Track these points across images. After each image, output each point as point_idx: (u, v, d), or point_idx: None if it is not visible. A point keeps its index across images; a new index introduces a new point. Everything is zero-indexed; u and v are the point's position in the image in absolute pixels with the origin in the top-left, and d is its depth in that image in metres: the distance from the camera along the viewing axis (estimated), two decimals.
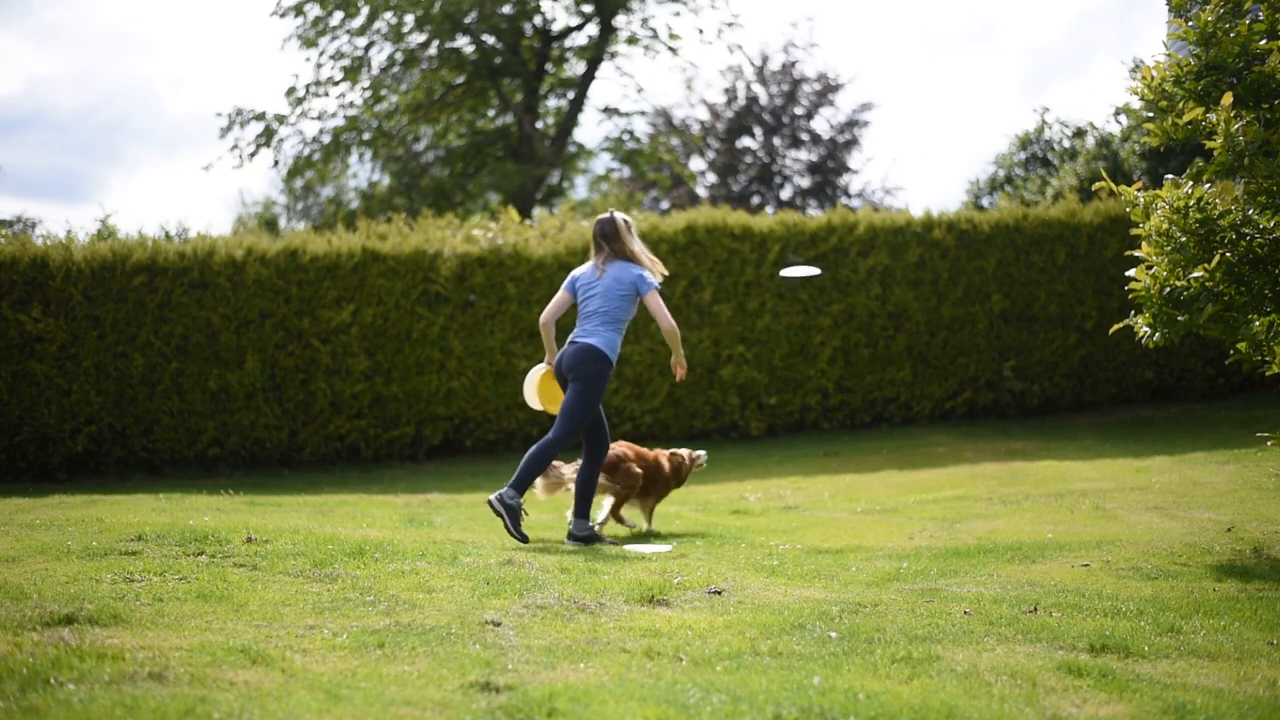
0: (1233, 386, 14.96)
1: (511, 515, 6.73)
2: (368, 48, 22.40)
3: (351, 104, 22.83)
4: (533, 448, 6.91)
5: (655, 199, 25.80)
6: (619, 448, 7.65)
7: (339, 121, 22.85)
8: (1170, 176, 6.50)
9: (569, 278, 7.26)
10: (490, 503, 6.77)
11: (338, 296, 13.33)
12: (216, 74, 48.61)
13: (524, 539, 6.71)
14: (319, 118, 22.84)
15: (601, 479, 7.51)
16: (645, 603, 4.96)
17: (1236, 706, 3.82)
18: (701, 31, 23.39)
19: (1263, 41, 6.30)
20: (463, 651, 4.06)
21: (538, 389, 7.43)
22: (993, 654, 4.33)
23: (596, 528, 7.30)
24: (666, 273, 7.37)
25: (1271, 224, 6.25)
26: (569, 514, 7.18)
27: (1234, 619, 4.96)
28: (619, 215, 7.18)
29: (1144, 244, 6.60)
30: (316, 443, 13.30)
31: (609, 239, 7.13)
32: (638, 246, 7.15)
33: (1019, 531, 7.52)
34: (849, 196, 27.10)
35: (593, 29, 22.95)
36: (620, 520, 7.83)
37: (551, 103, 24.17)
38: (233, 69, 48.49)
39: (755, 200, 27.02)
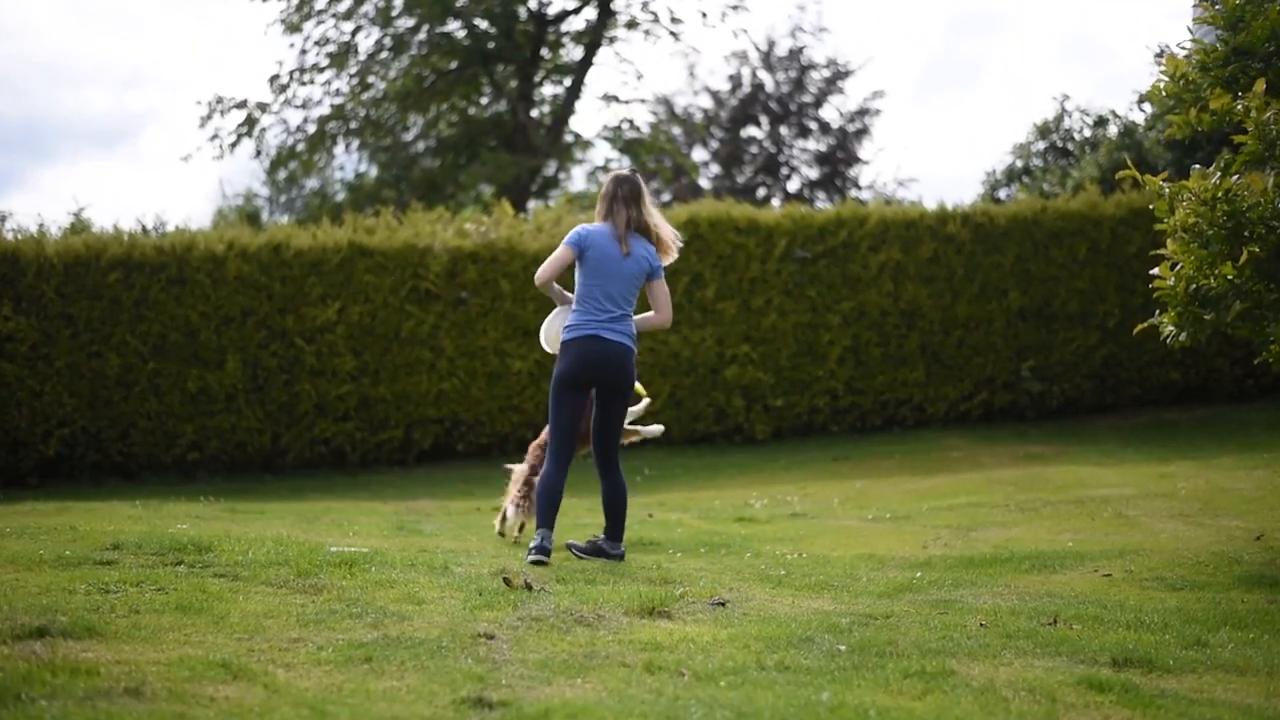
0: (1262, 388, 14.94)
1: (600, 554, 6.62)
2: (354, 32, 22.39)
3: (338, 92, 22.82)
4: (611, 505, 6.56)
5: (656, 191, 25.79)
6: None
7: (325, 110, 22.84)
8: (1197, 167, 6.49)
9: (577, 233, 6.41)
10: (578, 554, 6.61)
11: (323, 293, 13.33)
12: (196, 60, 48.63)
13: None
14: (304, 106, 22.84)
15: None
16: (645, 614, 4.96)
17: None
18: (705, 15, 23.28)
19: None
20: (454, 666, 4.06)
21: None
22: (1010, 668, 4.33)
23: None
24: (677, 251, 6.59)
25: None
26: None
27: (1263, 631, 4.96)
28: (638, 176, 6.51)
29: (1169, 241, 6.59)
30: (300, 447, 13.30)
31: (635, 202, 6.40)
32: (659, 218, 6.47)
33: (1037, 540, 7.52)
34: (859, 188, 27.10)
35: (590, 13, 22.92)
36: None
37: (547, 90, 24.14)
38: (213, 55, 48.52)
39: (761, 192, 27.02)
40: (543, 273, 6.49)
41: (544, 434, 7.18)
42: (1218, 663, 4.50)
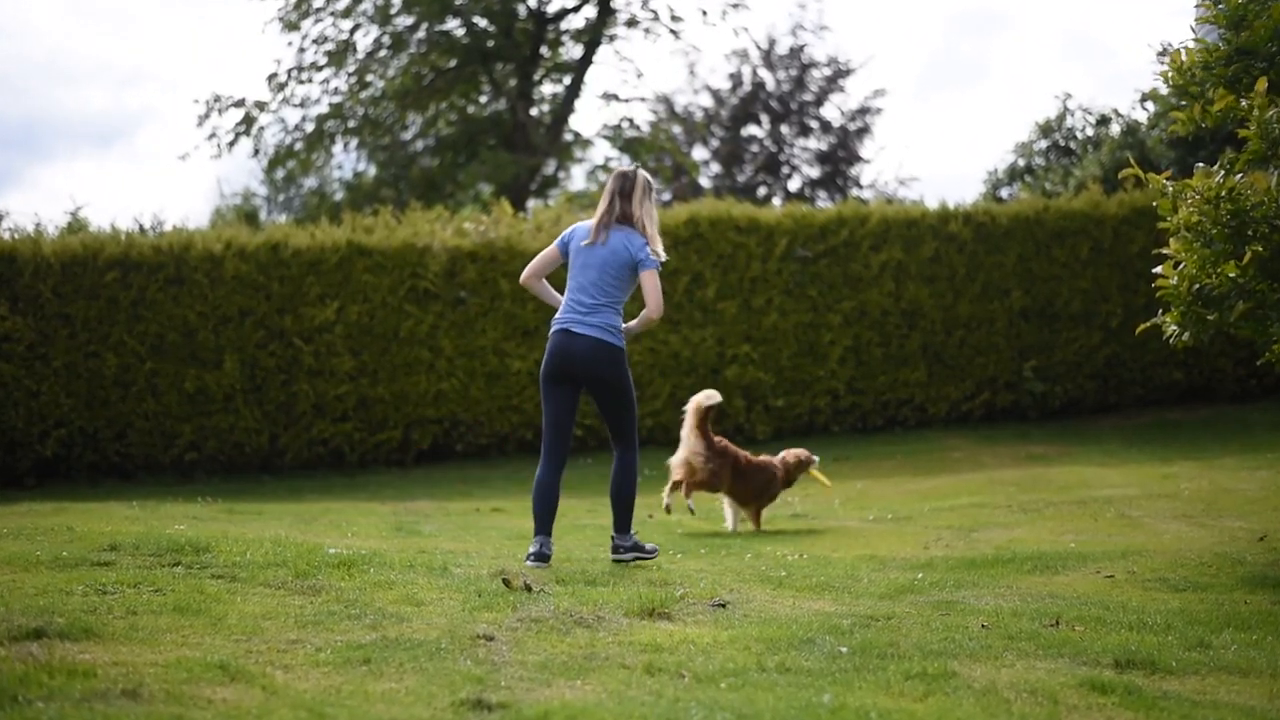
0: (1265, 388, 14.94)
1: (639, 552, 6.43)
2: (353, 31, 22.38)
3: (336, 90, 22.81)
4: (613, 488, 6.34)
5: (657, 190, 25.81)
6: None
7: (323, 109, 22.83)
8: (1201, 166, 6.48)
9: (566, 233, 6.40)
10: (618, 561, 6.39)
11: (321, 293, 13.32)
12: (195, 59, 48.61)
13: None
14: (302, 105, 22.82)
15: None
16: (645, 616, 4.96)
17: None
18: (705, 13, 23.25)
19: None
20: (453, 667, 4.06)
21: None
22: (1012, 670, 4.33)
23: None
24: (665, 257, 6.43)
25: None
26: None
27: (1267, 633, 4.96)
28: (644, 174, 6.36)
29: (1172, 240, 6.58)
30: (299, 447, 13.30)
31: (626, 196, 6.27)
32: (649, 215, 6.29)
33: (1039, 541, 7.52)
34: (860, 187, 27.09)
35: (590, 11, 22.90)
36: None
37: (547, 89, 24.13)
38: (211, 54, 48.49)
39: (761, 191, 27.01)
40: (527, 270, 6.47)
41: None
42: (1221, 664, 4.50)
